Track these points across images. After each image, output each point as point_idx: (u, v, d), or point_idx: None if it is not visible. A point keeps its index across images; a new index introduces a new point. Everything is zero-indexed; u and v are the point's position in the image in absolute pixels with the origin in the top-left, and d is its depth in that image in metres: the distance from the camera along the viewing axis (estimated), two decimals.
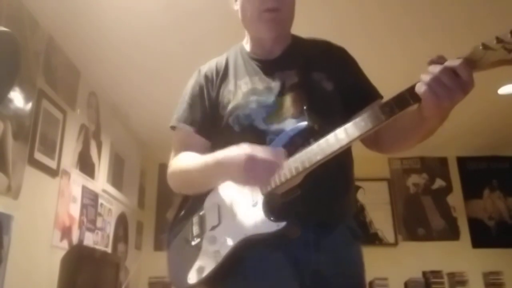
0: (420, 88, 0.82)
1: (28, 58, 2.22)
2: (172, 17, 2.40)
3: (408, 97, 0.84)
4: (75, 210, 2.71)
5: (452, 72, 0.79)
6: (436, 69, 0.81)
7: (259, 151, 0.93)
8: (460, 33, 2.48)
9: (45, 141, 2.35)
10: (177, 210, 1.18)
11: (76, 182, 2.75)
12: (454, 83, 0.79)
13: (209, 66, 1.24)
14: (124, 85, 3.15)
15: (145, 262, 4.05)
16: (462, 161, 4.72)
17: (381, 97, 1.16)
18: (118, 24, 2.44)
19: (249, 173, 0.92)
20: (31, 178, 2.19)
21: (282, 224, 0.91)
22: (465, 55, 0.80)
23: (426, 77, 0.82)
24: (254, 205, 0.98)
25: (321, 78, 1.12)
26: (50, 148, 2.43)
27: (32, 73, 2.26)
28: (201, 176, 1.05)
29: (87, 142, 2.99)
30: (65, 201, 2.58)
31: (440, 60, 0.82)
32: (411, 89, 0.84)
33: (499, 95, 3.40)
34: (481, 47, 0.77)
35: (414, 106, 0.86)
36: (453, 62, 0.80)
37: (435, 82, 0.80)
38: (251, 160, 0.92)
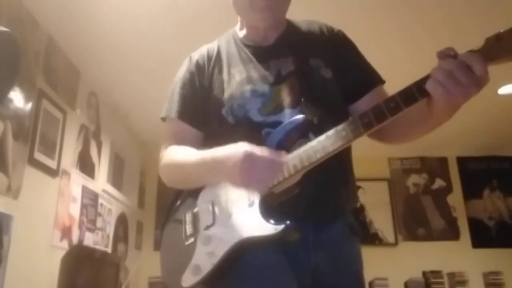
0: (433, 87, 0.76)
1: (28, 58, 2.22)
2: (171, 17, 2.40)
3: (415, 92, 0.78)
4: (75, 210, 2.71)
5: (467, 67, 0.74)
6: (449, 65, 0.75)
7: (258, 150, 0.87)
8: (466, 30, 2.46)
9: (45, 141, 2.35)
10: (169, 206, 1.12)
11: (76, 182, 2.75)
12: (470, 79, 0.73)
13: (200, 53, 1.17)
14: (124, 85, 3.14)
15: (145, 262, 4.05)
16: (462, 161, 4.72)
17: (383, 82, 1.11)
18: (118, 24, 2.44)
19: (246, 171, 0.86)
20: (31, 178, 2.19)
21: (280, 227, 0.86)
22: (478, 48, 0.74)
23: (439, 75, 0.75)
24: (251, 204, 0.92)
25: (319, 65, 1.06)
26: (50, 148, 2.42)
27: (32, 73, 2.26)
28: (196, 172, 1.00)
29: (87, 142, 2.99)
30: (65, 201, 2.58)
31: (450, 52, 0.76)
32: (418, 84, 0.78)
33: (499, 95, 3.39)
34: (494, 39, 0.72)
35: (421, 102, 0.80)
36: (467, 56, 0.74)
37: (450, 80, 0.74)
38: (249, 158, 0.86)
